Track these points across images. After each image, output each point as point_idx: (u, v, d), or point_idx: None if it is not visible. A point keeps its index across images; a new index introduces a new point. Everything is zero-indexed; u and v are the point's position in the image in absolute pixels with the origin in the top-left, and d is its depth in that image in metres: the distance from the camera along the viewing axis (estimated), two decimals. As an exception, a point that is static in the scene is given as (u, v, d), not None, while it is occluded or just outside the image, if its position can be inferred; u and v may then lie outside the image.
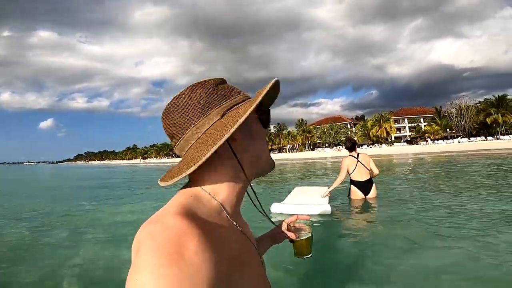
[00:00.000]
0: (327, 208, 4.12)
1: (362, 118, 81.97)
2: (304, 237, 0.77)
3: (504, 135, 42.56)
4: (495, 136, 42.80)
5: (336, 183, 4.79)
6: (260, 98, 0.52)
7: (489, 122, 45.42)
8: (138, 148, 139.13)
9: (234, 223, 0.56)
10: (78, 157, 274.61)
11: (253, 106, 0.50)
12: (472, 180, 7.43)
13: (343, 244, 3.19)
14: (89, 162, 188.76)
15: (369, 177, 4.81)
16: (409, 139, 59.44)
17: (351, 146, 4.90)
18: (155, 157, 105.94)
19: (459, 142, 40.38)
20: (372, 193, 4.82)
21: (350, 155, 4.90)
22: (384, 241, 3.10)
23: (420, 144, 44.99)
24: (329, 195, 4.76)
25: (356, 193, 4.84)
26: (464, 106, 49.69)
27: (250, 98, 0.58)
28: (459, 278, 2.20)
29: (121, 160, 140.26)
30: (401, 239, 3.05)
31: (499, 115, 43.86)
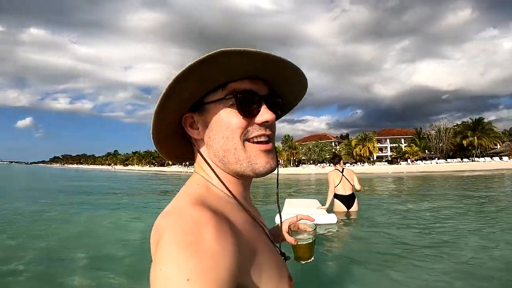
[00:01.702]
0: (333, 218, 4.26)
1: (346, 136, 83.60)
2: (305, 242, 0.70)
3: (479, 157, 44.38)
4: (471, 158, 44.54)
5: (329, 197, 4.93)
6: (181, 71, 0.47)
7: (465, 145, 47.43)
8: (119, 154, 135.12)
9: (245, 210, 0.57)
10: (54, 160, 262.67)
11: (166, 88, 0.48)
12: (444, 198, 8.11)
13: (324, 255, 3.32)
14: (66, 165, 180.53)
15: (351, 192, 5.01)
16: (390, 159, 61.00)
17: (337, 160, 5.11)
18: (136, 164, 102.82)
19: (437, 163, 41.67)
20: (354, 207, 5.03)
21: (335, 169, 5.07)
22: (365, 253, 3.35)
23: (400, 164, 46.08)
24: (325, 208, 4.85)
25: (339, 207, 5.00)
26: (443, 128, 51.81)
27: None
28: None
29: (99, 166, 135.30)
30: (380, 252, 3.34)
31: (475, 137, 45.93)
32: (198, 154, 0.58)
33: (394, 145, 63.88)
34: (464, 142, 47.37)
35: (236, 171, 0.55)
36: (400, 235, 3.95)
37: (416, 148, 52.44)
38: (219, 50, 0.45)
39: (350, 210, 4.99)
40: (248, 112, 0.53)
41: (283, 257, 0.64)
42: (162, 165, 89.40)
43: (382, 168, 39.86)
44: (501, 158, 39.34)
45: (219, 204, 0.51)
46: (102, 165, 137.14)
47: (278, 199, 0.74)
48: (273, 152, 0.57)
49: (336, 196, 4.99)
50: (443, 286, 2.47)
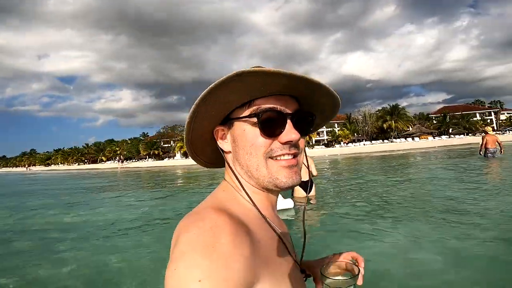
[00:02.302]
0: (290, 202, 4.35)
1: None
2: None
3: (396, 138, 51.62)
4: (390, 140, 51.52)
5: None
6: (209, 88, 0.50)
7: (385, 128, 54.49)
8: (38, 153, 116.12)
9: (267, 222, 0.56)
10: None
11: (197, 101, 0.52)
12: (376, 173, 9.67)
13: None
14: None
15: (309, 178, 5.12)
16: (326, 142, 66.48)
17: None
18: (61, 163, 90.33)
19: (364, 144, 47.03)
20: (313, 191, 5.24)
21: None
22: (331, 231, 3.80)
23: (335, 146, 50.62)
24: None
25: (299, 192, 5.12)
26: (368, 113, 58.53)
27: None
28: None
29: (14, 168, 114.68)
30: (343, 228, 3.82)
31: (393, 121, 53.11)
32: (227, 164, 0.61)
33: (329, 129, 69.66)
34: (385, 125, 54.37)
35: (260, 185, 0.57)
36: (353, 209, 4.74)
37: (347, 131, 58.23)
38: (234, 72, 0.47)
39: (309, 195, 5.12)
40: (270, 132, 0.53)
41: (303, 275, 0.63)
42: (94, 162, 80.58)
43: (320, 151, 43.16)
44: (413, 139, 46.43)
45: (241, 213, 0.52)
46: (16, 167, 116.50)
47: (304, 220, 0.70)
48: (298, 167, 0.57)
49: None
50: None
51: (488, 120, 61.99)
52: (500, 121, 62.92)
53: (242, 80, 0.48)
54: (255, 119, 0.53)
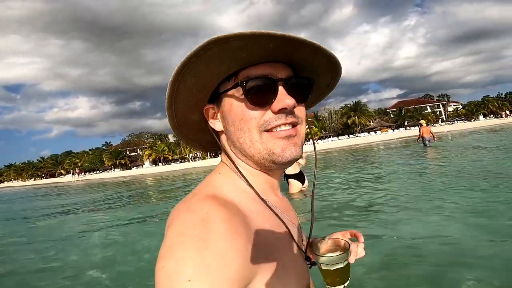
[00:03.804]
0: None
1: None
2: (328, 267, 0.53)
3: (359, 133, 54.82)
4: (354, 134, 54.56)
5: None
6: (188, 55, 0.43)
7: (350, 123, 57.60)
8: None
9: (267, 205, 0.51)
10: None
11: (172, 77, 0.46)
12: (346, 167, 10.25)
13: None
14: None
15: (299, 169, 5.01)
16: (296, 140, 68.55)
17: None
18: (14, 179, 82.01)
19: (332, 140, 49.28)
20: (306, 182, 5.04)
21: None
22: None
23: (306, 144, 52.32)
24: None
25: (296, 185, 4.95)
26: (333, 110, 61.46)
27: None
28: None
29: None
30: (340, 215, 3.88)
31: (356, 117, 56.34)
32: (221, 145, 0.56)
33: (298, 128, 71.80)
34: (349, 121, 57.44)
35: (257, 163, 0.52)
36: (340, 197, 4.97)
37: (316, 129, 60.54)
38: (207, 40, 0.41)
39: (303, 186, 4.99)
40: (260, 101, 0.47)
41: (308, 262, 0.57)
42: (52, 175, 74.38)
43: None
44: (375, 132, 49.71)
45: (238, 197, 0.48)
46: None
47: (313, 199, 0.65)
48: (299, 138, 0.52)
49: (289, 176, 4.94)
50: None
51: (438, 112, 68.59)
52: (448, 112, 69.88)
53: (221, 47, 0.42)
54: (241, 90, 0.47)
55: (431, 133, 11.70)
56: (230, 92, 0.49)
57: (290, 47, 0.45)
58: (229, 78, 0.49)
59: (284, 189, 5.14)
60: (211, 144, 0.63)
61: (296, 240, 0.53)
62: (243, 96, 0.48)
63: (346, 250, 0.54)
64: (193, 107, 0.53)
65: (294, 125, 0.51)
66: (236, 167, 0.52)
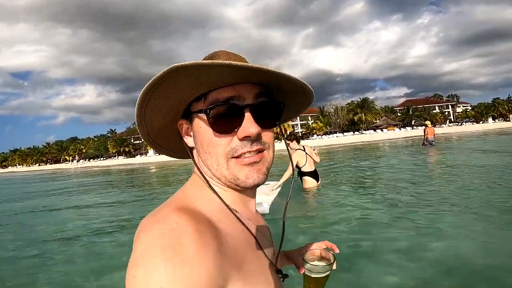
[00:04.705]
0: (266, 207, 3.93)
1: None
2: (314, 275, 0.60)
3: (365, 130, 54.20)
4: (360, 132, 53.96)
5: (286, 175, 4.72)
6: (152, 80, 0.42)
7: (356, 120, 56.92)
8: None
9: (237, 218, 0.51)
10: None
11: (137, 102, 0.46)
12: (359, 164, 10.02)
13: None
14: None
15: (315, 167, 5.21)
16: (300, 135, 68.07)
17: (297, 139, 5.07)
18: (19, 164, 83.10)
19: (337, 136, 48.83)
20: (320, 181, 5.26)
21: (298, 149, 4.97)
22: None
23: (310, 139, 52.01)
24: (278, 186, 4.65)
25: (311, 182, 5.10)
26: (339, 106, 60.68)
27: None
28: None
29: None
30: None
31: (363, 114, 55.63)
32: (193, 159, 0.55)
33: (304, 122, 71.22)
34: (355, 118, 56.77)
35: (224, 184, 0.52)
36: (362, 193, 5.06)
37: (321, 124, 60.04)
38: (166, 69, 0.40)
39: (318, 183, 5.18)
40: (225, 129, 0.47)
41: (280, 275, 0.57)
42: (57, 161, 75.23)
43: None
44: (382, 130, 49.10)
45: (209, 209, 0.48)
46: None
47: (285, 212, 0.62)
48: (263, 164, 0.51)
49: (304, 174, 5.08)
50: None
51: (446, 113, 67.35)
52: (457, 114, 68.63)
53: (187, 74, 0.41)
54: (212, 112, 0.46)
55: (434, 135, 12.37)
56: (199, 114, 0.49)
57: (260, 76, 0.45)
58: (200, 99, 0.49)
59: (298, 186, 5.18)
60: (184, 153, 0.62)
61: (265, 252, 0.53)
62: (206, 123, 0.48)
63: (332, 261, 0.61)
64: (164, 124, 0.54)
65: (260, 151, 0.50)
66: (207, 182, 0.52)
